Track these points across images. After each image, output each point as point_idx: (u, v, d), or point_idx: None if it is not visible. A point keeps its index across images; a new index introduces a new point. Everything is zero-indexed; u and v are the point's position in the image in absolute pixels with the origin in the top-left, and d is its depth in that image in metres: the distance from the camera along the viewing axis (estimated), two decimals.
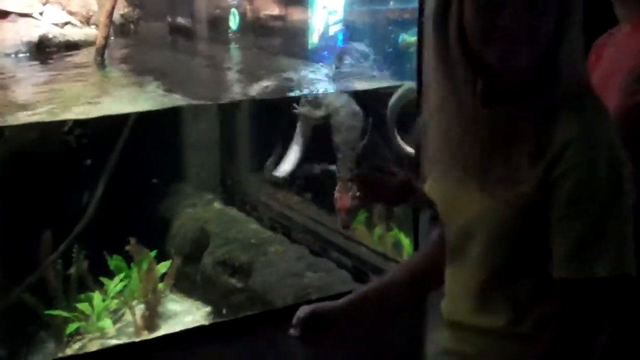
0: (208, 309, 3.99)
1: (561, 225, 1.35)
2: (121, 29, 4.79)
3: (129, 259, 3.87)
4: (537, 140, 1.37)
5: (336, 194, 3.71)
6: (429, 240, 1.79)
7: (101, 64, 3.94)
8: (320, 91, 4.10)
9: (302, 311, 1.71)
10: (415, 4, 3.28)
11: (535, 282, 1.42)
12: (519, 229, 1.40)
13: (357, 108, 3.87)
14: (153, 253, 3.86)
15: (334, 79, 4.17)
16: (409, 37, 3.86)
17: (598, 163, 1.32)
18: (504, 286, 1.45)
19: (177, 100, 3.55)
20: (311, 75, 4.28)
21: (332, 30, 4.54)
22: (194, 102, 3.86)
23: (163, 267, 3.92)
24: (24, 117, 3.14)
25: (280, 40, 4.80)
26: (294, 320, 1.71)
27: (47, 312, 3.58)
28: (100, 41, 3.92)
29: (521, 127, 1.40)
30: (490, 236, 1.44)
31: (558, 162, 1.34)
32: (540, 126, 1.37)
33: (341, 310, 1.73)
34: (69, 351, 3.56)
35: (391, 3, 4.26)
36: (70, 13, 4.68)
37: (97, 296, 3.74)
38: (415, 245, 3.28)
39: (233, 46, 4.84)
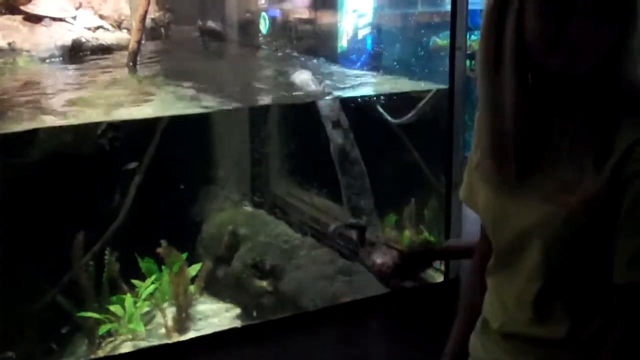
0: (238, 311, 4.00)
1: (629, 226, 1.31)
2: (152, 33, 4.82)
3: (160, 262, 3.89)
4: (600, 144, 1.34)
5: (374, 260, 3.26)
6: (476, 273, 1.73)
7: (134, 68, 3.96)
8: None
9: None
10: (447, 7, 3.29)
11: (595, 290, 1.40)
12: (582, 235, 1.37)
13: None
14: (184, 255, 3.88)
15: None
16: (441, 40, 3.84)
17: None
18: (564, 295, 1.43)
19: (209, 104, 3.56)
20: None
21: (361, 34, 4.54)
22: (227, 106, 3.86)
23: (194, 269, 3.94)
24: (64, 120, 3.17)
25: (309, 43, 4.81)
26: None
27: (79, 313, 3.60)
28: (133, 45, 3.94)
29: (582, 132, 1.37)
30: (550, 244, 1.40)
31: (626, 162, 1.30)
32: (602, 130, 1.34)
33: None
34: (101, 353, 3.58)
35: (419, 7, 4.25)
36: (102, 17, 4.73)
37: (128, 298, 3.75)
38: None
39: (263, 50, 4.86)
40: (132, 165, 3.82)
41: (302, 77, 3.87)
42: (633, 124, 1.33)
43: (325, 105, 3.83)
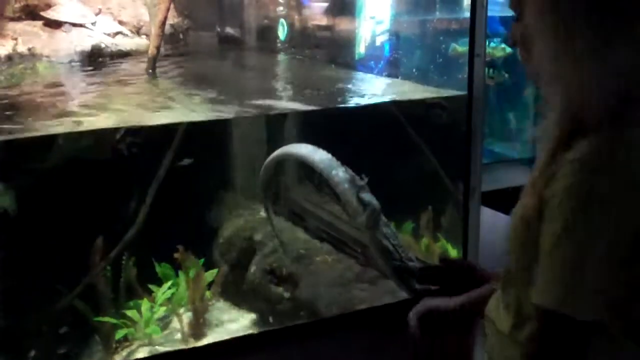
0: (254, 317, 3.99)
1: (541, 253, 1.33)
2: (171, 39, 4.85)
3: (176, 267, 3.90)
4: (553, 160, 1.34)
5: None
6: None
7: (153, 73, 3.97)
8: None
9: (419, 309, 1.72)
10: (466, 14, 3.28)
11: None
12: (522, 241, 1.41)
13: None
14: (201, 261, 3.88)
15: None
16: (460, 47, 3.84)
17: (594, 188, 1.25)
18: (512, 293, 1.47)
19: (228, 110, 3.57)
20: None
21: (379, 40, 4.54)
22: (246, 113, 3.87)
23: (210, 275, 3.94)
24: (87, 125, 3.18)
25: (328, 50, 4.81)
26: (411, 318, 1.71)
27: (96, 318, 3.61)
28: (152, 51, 3.96)
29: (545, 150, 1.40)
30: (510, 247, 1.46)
31: (552, 179, 1.30)
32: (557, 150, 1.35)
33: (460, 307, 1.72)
34: (117, 358, 3.59)
35: (437, 13, 4.24)
36: (122, 23, 4.77)
37: (145, 303, 3.75)
38: (464, 256, 3.26)
39: (282, 56, 4.87)
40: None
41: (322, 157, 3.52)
42: (583, 141, 1.30)
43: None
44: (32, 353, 3.25)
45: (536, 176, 1.36)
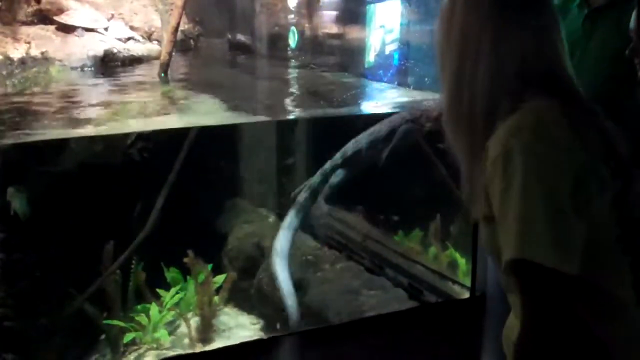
0: (262, 323, 4.00)
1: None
2: (182, 45, 4.87)
3: (185, 272, 3.91)
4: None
5: None
6: None
7: (165, 79, 3.99)
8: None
9: None
10: None
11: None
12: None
13: None
14: (209, 266, 3.89)
15: None
16: None
17: (515, 147, 1.33)
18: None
19: (239, 116, 3.59)
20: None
21: (389, 49, 4.55)
22: (257, 119, 3.88)
23: (218, 280, 3.95)
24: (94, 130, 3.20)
25: (337, 58, 4.83)
26: None
27: (105, 321, 3.62)
28: (164, 57, 3.98)
29: None
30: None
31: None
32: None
33: None
34: None
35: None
36: (133, 28, 4.80)
37: (153, 307, 3.77)
38: (473, 265, 3.26)
39: (292, 64, 4.88)
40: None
41: None
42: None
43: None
44: (41, 355, 3.26)
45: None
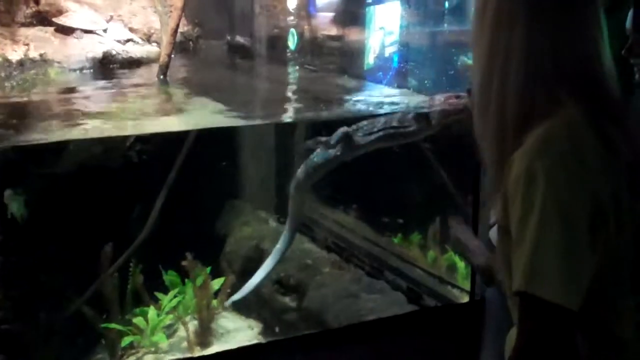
0: (261, 327, 3.99)
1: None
2: (181, 47, 4.85)
3: (183, 275, 3.90)
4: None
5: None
6: None
7: (164, 81, 3.97)
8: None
9: None
10: None
11: None
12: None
13: None
14: (208, 269, 3.88)
15: None
16: (469, 60, 3.83)
17: (539, 170, 1.29)
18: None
19: (238, 119, 3.57)
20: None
21: (388, 51, 4.54)
22: (255, 122, 3.87)
23: (217, 283, 3.93)
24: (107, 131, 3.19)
25: (337, 60, 4.81)
26: None
27: (103, 325, 3.61)
28: (163, 59, 3.96)
29: None
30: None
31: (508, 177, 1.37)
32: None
33: None
34: None
35: (445, 25, 4.24)
36: (132, 30, 4.78)
37: (151, 311, 3.76)
38: (472, 269, 3.24)
39: (291, 66, 4.86)
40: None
41: None
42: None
43: None
44: (39, 358, 3.25)
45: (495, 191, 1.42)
